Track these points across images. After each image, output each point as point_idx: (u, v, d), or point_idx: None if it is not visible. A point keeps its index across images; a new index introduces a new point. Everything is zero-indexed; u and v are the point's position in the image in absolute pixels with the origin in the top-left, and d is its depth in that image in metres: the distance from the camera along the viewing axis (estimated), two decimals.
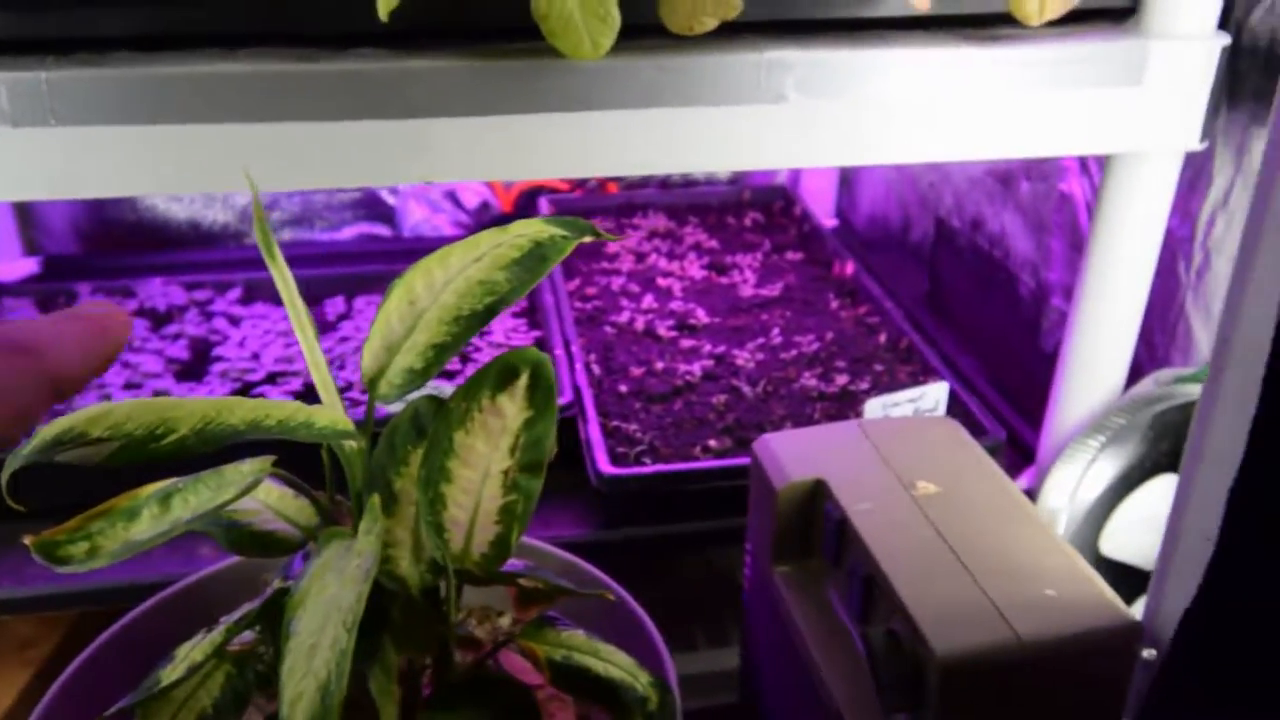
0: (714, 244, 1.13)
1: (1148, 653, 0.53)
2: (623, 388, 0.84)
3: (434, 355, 0.49)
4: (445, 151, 0.56)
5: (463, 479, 0.50)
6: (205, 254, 1.20)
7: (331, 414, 0.45)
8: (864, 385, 0.84)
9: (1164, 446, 0.73)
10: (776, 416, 0.80)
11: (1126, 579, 0.74)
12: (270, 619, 0.49)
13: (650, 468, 0.72)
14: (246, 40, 0.56)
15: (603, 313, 0.97)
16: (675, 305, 0.98)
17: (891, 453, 0.61)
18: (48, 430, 0.39)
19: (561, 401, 0.79)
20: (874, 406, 0.73)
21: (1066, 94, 0.60)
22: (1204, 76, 0.61)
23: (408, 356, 0.49)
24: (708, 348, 0.90)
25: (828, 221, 1.31)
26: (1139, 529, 0.75)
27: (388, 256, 1.17)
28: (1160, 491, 0.74)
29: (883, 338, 0.92)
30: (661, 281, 1.03)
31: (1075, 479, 0.74)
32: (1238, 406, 0.44)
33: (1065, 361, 0.73)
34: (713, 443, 0.76)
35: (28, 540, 0.49)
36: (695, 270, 1.06)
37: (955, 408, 0.80)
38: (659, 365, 0.87)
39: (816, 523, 0.60)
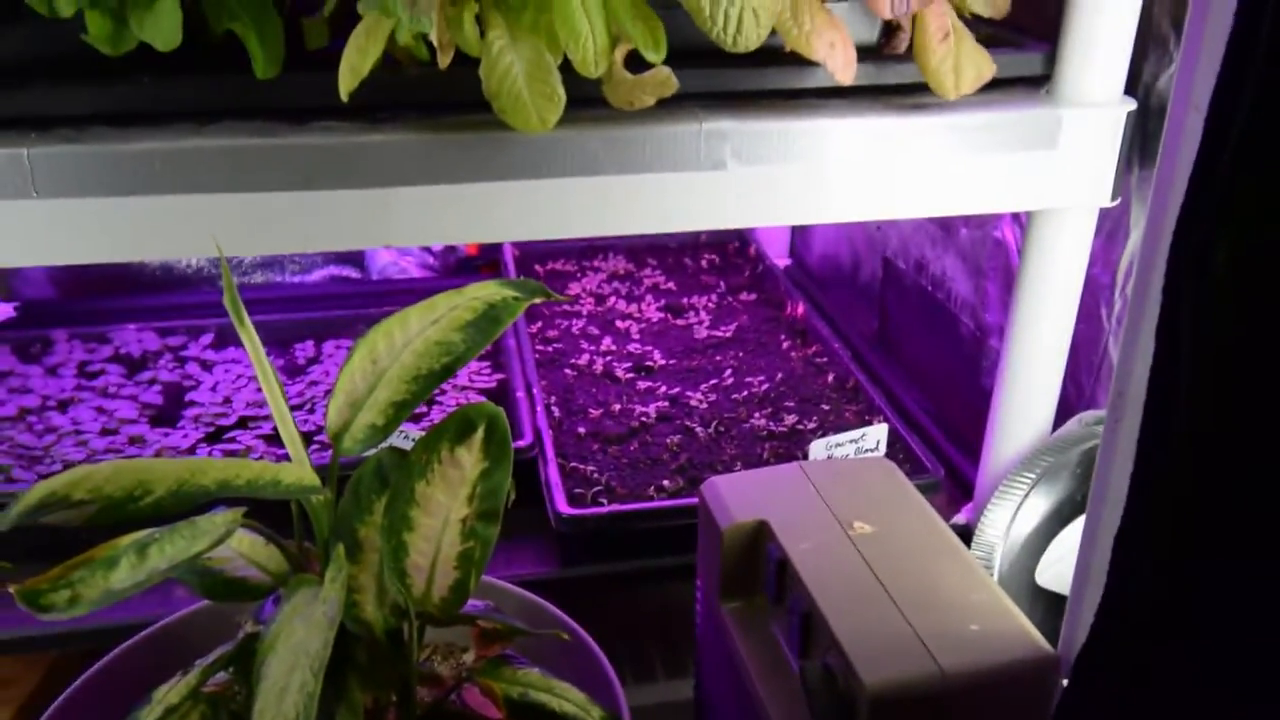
0: (671, 285, 1.17)
1: (1066, 683, 0.57)
2: (581, 429, 0.87)
3: (394, 412, 0.53)
4: (404, 217, 0.60)
5: (424, 527, 0.54)
6: (179, 297, 1.22)
7: (298, 471, 0.48)
8: (811, 424, 0.88)
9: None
10: (727, 456, 0.83)
11: (1062, 610, 0.78)
12: (243, 662, 0.52)
13: (606, 508, 0.76)
14: (215, 115, 0.59)
15: (563, 355, 1.01)
16: (633, 347, 1.02)
17: (831, 494, 0.65)
18: (32, 494, 0.43)
19: (523, 443, 0.82)
20: (818, 447, 0.77)
21: (987, 157, 0.65)
22: (1113, 140, 0.66)
23: (370, 413, 0.53)
24: (663, 389, 0.94)
25: (782, 261, 1.35)
26: (1071, 561, 0.79)
27: (357, 299, 1.20)
28: None
29: (831, 377, 0.96)
30: (620, 324, 1.07)
31: (1009, 514, 0.78)
32: (1129, 453, 0.49)
33: (997, 401, 0.77)
34: (666, 483, 0.80)
35: (12, 589, 0.52)
36: (653, 312, 1.10)
37: (897, 445, 0.84)
38: (616, 407, 0.90)
39: (760, 561, 0.64)
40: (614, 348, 1.02)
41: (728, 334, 1.05)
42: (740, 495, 0.65)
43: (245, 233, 0.58)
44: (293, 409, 0.91)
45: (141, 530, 0.54)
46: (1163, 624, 0.40)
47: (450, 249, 1.34)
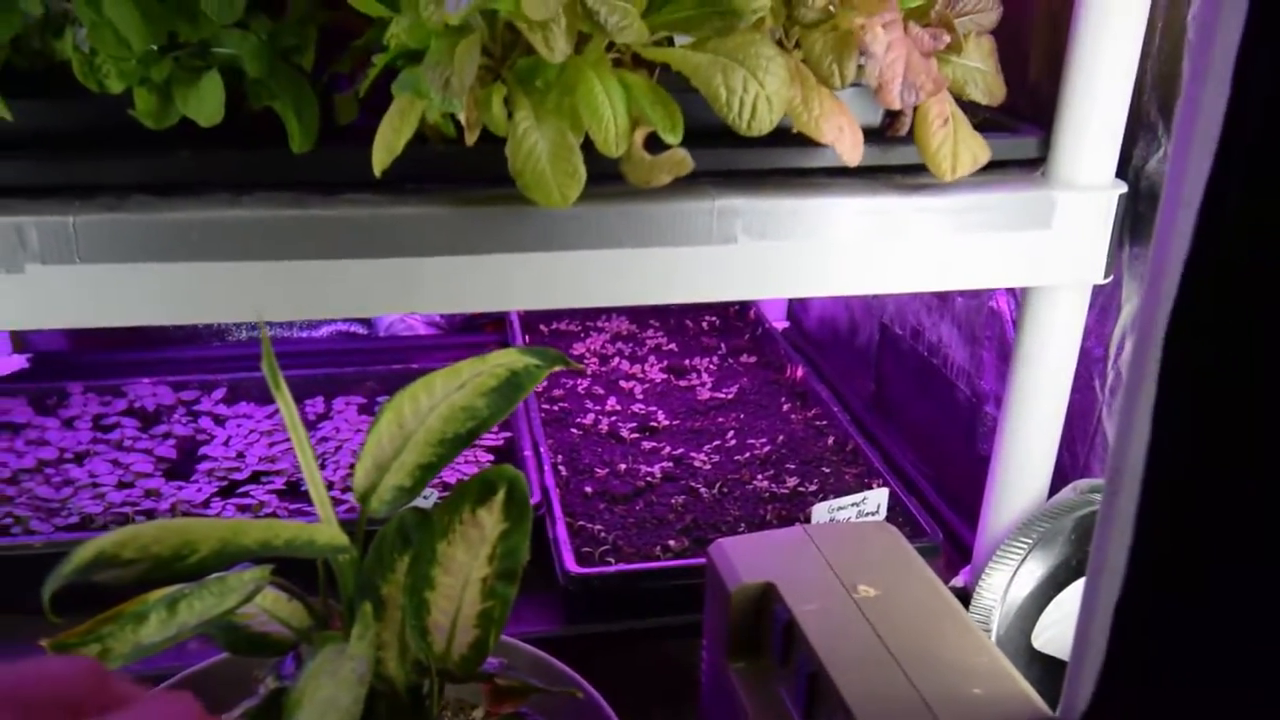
0: (673, 346, 1.20)
1: None
2: (588, 488, 0.89)
3: (421, 475, 0.55)
4: (430, 286, 0.62)
5: (445, 586, 0.55)
6: (190, 351, 1.25)
7: (330, 532, 0.50)
8: (813, 487, 0.90)
9: (1087, 548, 0.80)
10: (731, 517, 0.85)
11: (1059, 673, 0.80)
12: (269, 717, 0.54)
13: (614, 567, 0.78)
14: (250, 187, 0.62)
15: (569, 414, 1.03)
16: (637, 407, 1.04)
17: (835, 557, 0.67)
18: (83, 553, 0.44)
19: (531, 502, 0.84)
20: (820, 510, 0.79)
21: (985, 235, 0.68)
22: (1105, 220, 0.69)
23: (397, 475, 0.55)
24: (667, 449, 0.96)
25: (780, 324, 1.38)
26: (1067, 625, 0.81)
27: (365, 355, 1.23)
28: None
29: (831, 440, 0.98)
30: (624, 384, 1.09)
31: (1007, 579, 0.80)
32: (1127, 526, 0.51)
33: (995, 468, 0.80)
34: (672, 543, 0.82)
35: (45, 643, 0.54)
36: (656, 373, 1.12)
37: (897, 509, 0.86)
38: (622, 466, 0.92)
39: (766, 623, 0.65)
40: (619, 408, 1.04)
41: (729, 395, 1.07)
42: (747, 557, 0.67)
43: (279, 299, 0.60)
44: None
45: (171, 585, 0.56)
46: (1164, 693, 0.42)
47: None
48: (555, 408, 1.04)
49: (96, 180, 0.60)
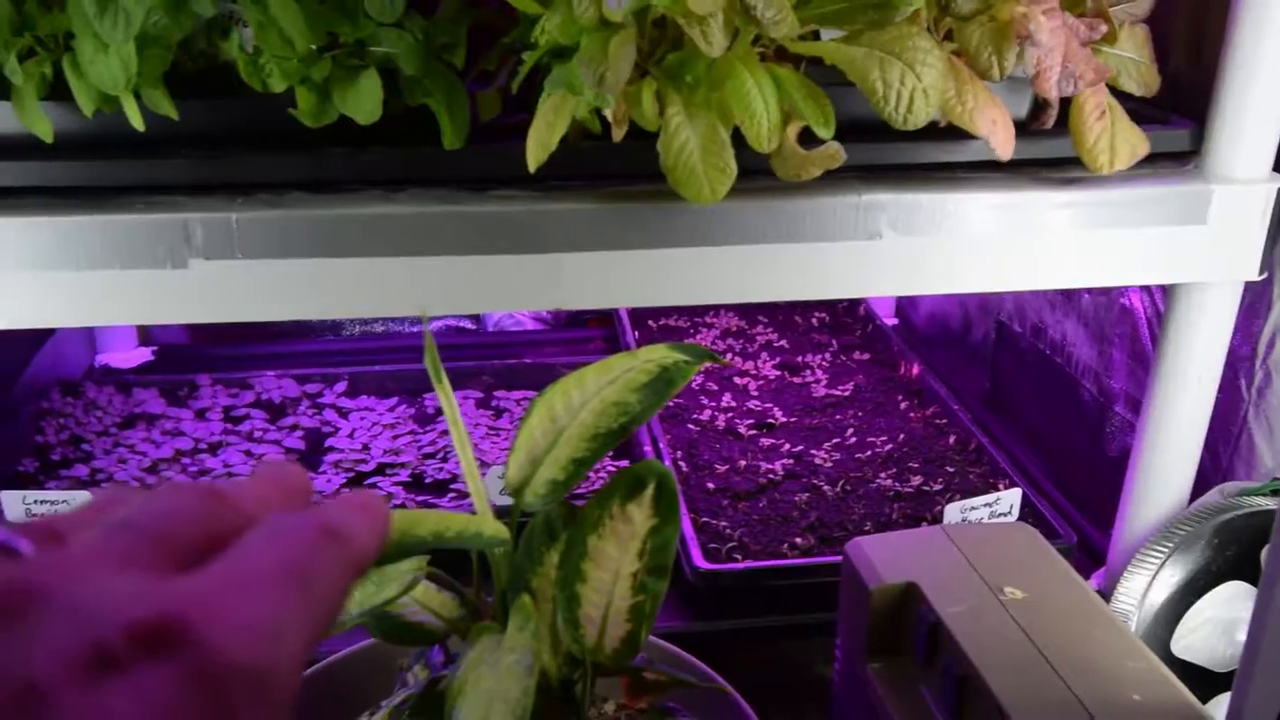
0: (784, 343, 1.19)
1: None
2: (710, 484, 0.89)
3: (574, 469, 0.55)
4: (576, 281, 0.63)
5: (595, 579, 0.56)
6: (306, 345, 1.27)
7: (495, 525, 0.51)
8: (937, 486, 0.89)
9: (1229, 554, 0.77)
10: (856, 516, 0.85)
11: (1198, 680, 0.78)
12: (428, 706, 0.55)
13: (743, 564, 0.77)
14: (402, 184, 0.63)
15: (685, 410, 1.03)
16: (752, 404, 1.04)
17: (977, 558, 0.66)
18: None
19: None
20: (953, 511, 0.78)
21: (1136, 231, 0.66)
22: (1262, 215, 0.67)
23: (551, 469, 0.55)
24: (786, 446, 0.95)
25: (888, 320, 1.36)
26: (1208, 631, 0.78)
27: (475, 350, 1.24)
28: (1226, 597, 0.78)
29: (952, 439, 0.97)
30: (738, 380, 1.09)
31: (1145, 583, 0.78)
32: None
33: (1134, 471, 0.78)
34: (798, 540, 0.81)
35: None
36: (769, 369, 1.12)
37: (1027, 510, 0.85)
38: (741, 463, 0.92)
39: (907, 623, 0.65)
40: (734, 404, 1.04)
41: (846, 393, 1.06)
42: (887, 557, 0.66)
43: (432, 294, 0.61)
44: (425, 458, 0.95)
45: None
46: None
47: None
48: (670, 404, 1.04)
49: (255, 178, 0.62)
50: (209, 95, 0.61)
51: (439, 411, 1.05)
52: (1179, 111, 0.71)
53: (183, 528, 0.24)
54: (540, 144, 0.58)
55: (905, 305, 1.40)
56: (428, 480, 0.92)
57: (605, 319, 1.32)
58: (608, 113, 0.60)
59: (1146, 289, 0.88)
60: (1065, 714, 0.54)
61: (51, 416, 1.01)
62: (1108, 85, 0.64)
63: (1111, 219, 0.66)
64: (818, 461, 0.93)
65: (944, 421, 1.00)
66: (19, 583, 0.20)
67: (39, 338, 1.12)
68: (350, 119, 0.60)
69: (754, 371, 1.11)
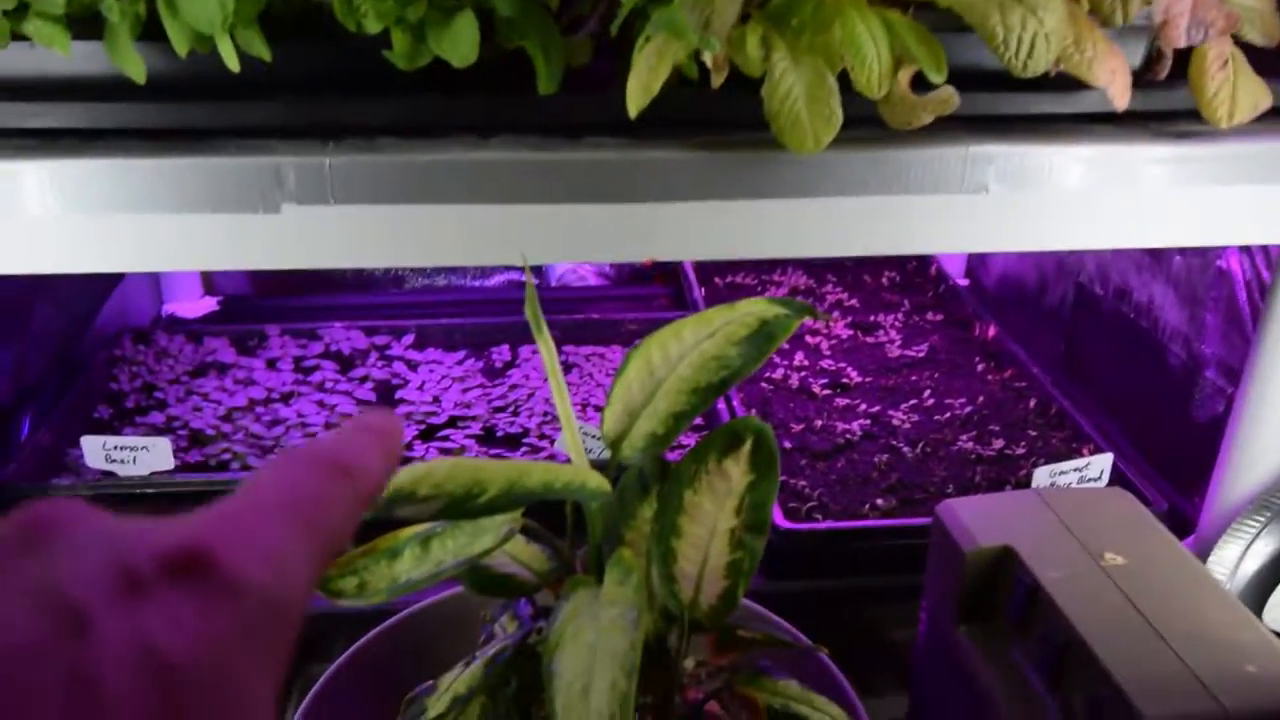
0: (855, 302, 1.17)
1: None
2: (786, 443, 0.88)
3: (674, 423, 0.54)
4: (671, 232, 0.61)
5: (691, 535, 0.55)
6: (370, 297, 1.27)
7: (598, 478, 0.50)
8: (1020, 450, 0.87)
9: None
10: (938, 478, 0.83)
11: None
12: (523, 658, 0.54)
13: (825, 524, 0.76)
14: (495, 129, 0.62)
15: (758, 369, 1.01)
16: (826, 363, 1.02)
17: (1074, 522, 0.64)
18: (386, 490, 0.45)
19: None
20: (1042, 474, 0.76)
21: (1249, 188, 0.63)
22: None
23: (649, 422, 0.54)
24: (862, 406, 0.94)
25: (958, 280, 1.34)
26: None
27: (541, 304, 1.22)
28: None
29: (1032, 402, 0.95)
30: (810, 339, 1.07)
31: (1239, 552, 0.76)
32: None
33: (1231, 439, 0.75)
34: (880, 501, 0.80)
35: None
36: (841, 328, 1.10)
37: (1114, 477, 0.83)
38: (818, 423, 0.91)
39: (1002, 587, 0.63)
40: (806, 363, 1.02)
41: (920, 354, 1.04)
42: (981, 520, 0.65)
43: (523, 242, 0.60)
44: (495, 412, 0.94)
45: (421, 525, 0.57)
46: None
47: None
48: None
49: (348, 122, 0.61)
50: (303, 37, 0.60)
51: (507, 365, 1.05)
52: None
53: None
54: (643, 89, 0.56)
55: (976, 266, 1.37)
56: (499, 434, 0.92)
57: (670, 275, 1.31)
58: (707, 58, 0.58)
59: (1247, 251, 0.85)
60: (1177, 684, 0.52)
61: (124, 364, 1.01)
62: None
63: (1227, 175, 0.63)
64: (895, 423, 0.91)
65: (1023, 384, 0.98)
66: (45, 516, 0.21)
67: (108, 286, 1.12)
68: (444, 62, 0.58)
69: (825, 330, 1.09)
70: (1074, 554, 0.61)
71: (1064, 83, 0.60)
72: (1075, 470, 0.77)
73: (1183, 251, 0.93)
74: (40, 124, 0.59)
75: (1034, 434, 0.89)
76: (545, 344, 0.53)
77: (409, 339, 1.07)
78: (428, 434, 0.91)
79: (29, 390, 0.94)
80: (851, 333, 1.10)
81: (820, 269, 1.26)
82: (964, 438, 0.88)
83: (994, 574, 0.63)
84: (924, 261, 1.27)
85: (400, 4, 0.57)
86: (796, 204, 0.61)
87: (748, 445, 0.56)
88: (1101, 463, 0.77)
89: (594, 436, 0.84)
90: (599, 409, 0.94)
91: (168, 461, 0.82)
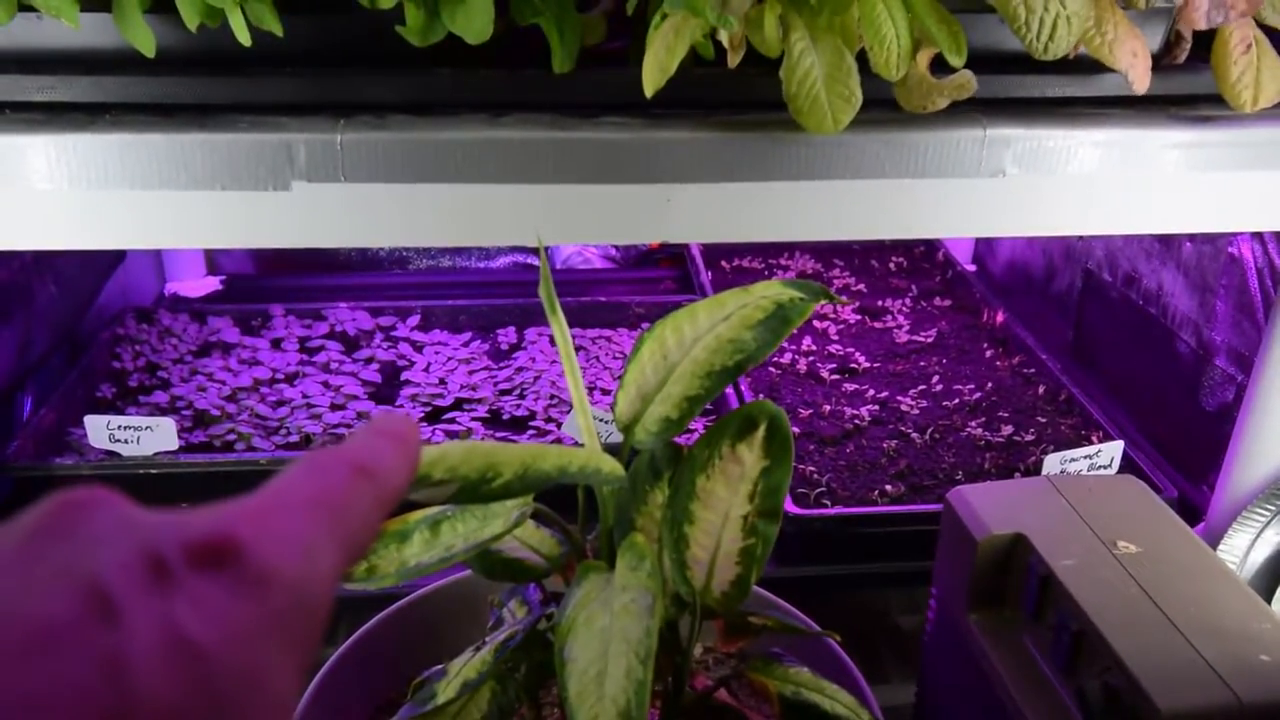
0: (862, 287, 1.17)
1: None
2: (795, 429, 0.87)
3: (688, 406, 0.53)
4: (685, 214, 0.61)
5: (704, 521, 0.54)
6: (375, 278, 1.26)
7: (612, 462, 0.49)
8: (1029, 437, 0.86)
9: None
10: (947, 464, 0.83)
11: None
12: (534, 643, 0.54)
13: (835, 510, 0.76)
14: (508, 108, 0.61)
15: None
16: (834, 348, 1.02)
17: (1087, 511, 0.64)
18: None
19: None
20: (1052, 461, 0.76)
21: (1268, 174, 0.63)
22: None
23: (663, 406, 0.54)
24: (871, 392, 0.93)
25: (966, 267, 1.33)
26: None
27: None
28: None
29: (1041, 389, 0.94)
30: (818, 324, 1.07)
31: (1248, 542, 0.75)
32: None
33: (1242, 427, 0.75)
34: (889, 488, 0.79)
35: None
36: (848, 313, 1.09)
37: (1124, 465, 0.82)
38: (826, 408, 0.90)
39: (1014, 574, 0.63)
40: (814, 348, 1.01)
41: (929, 339, 1.04)
42: (992, 507, 0.64)
43: (536, 222, 0.59)
44: (502, 394, 0.94)
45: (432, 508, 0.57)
46: None
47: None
48: None
49: (360, 99, 0.60)
50: (315, 11, 0.59)
51: (513, 348, 1.04)
52: None
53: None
54: (659, 68, 0.55)
55: (983, 251, 1.36)
56: (505, 416, 0.91)
57: (677, 259, 1.30)
58: (724, 38, 0.57)
59: (1259, 238, 0.84)
60: (1191, 673, 0.52)
61: (127, 343, 1.00)
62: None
63: (1246, 160, 0.62)
64: (904, 408, 0.90)
65: (1031, 371, 0.97)
66: (77, 503, 0.22)
67: (110, 264, 1.11)
68: (458, 39, 0.57)
69: (833, 315, 1.09)
70: (1087, 542, 0.61)
71: (1082, 65, 0.60)
72: (1086, 458, 0.76)
73: (1193, 238, 0.92)
74: (47, 98, 0.58)
75: (1043, 421, 0.89)
76: (559, 325, 0.52)
77: (414, 320, 1.06)
78: (433, 416, 0.90)
79: (31, 369, 0.93)
80: (859, 318, 1.09)
81: (827, 253, 1.26)
82: (973, 424, 0.88)
83: (1006, 561, 0.63)
84: (931, 246, 1.26)
85: None
86: (812, 186, 0.60)
87: (762, 430, 0.55)
88: (1112, 450, 0.77)
89: (601, 420, 0.84)
90: (605, 392, 0.93)
91: (172, 442, 0.81)
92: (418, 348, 1.01)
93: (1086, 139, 0.61)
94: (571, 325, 1.09)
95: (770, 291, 0.55)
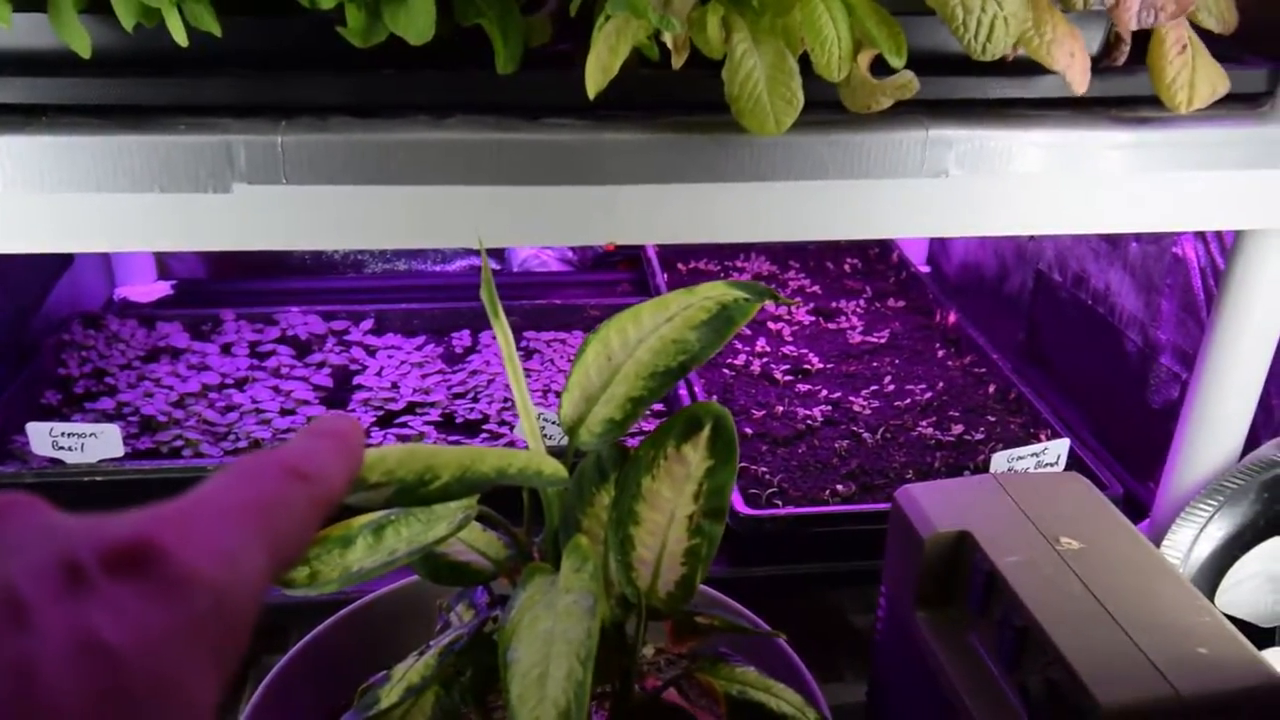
0: (816, 289, 1.17)
1: None
2: (747, 429, 0.88)
3: (632, 408, 0.53)
4: (630, 215, 0.61)
5: (649, 522, 0.54)
6: (329, 281, 1.25)
7: (554, 463, 0.49)
8: (979, 435, 0.87)
9: (1278, 509, 0.76)
10: (898, 464, 0.83)
11: (1243, 633, 0.77)
12: (479, 646, 0.53)
13: (785, 510, 0.76)
14: (451, 109, 0.61)
15: (719, 354, 1.01)
16: (788, 349, 1.02)
17: (1030, 507, 0.64)
18: None
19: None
20: (999, 460, 0.76)
21: (1206, 174, 0.64)
22: None
23: (607, 408, 0.54)
24: (824, 392, 0.94)
25: (920, 267, 1.34)
26: (1253, 586, 0.77)
27: (502, 290, 1.20)
28: (1273, 551, 0.76)
29: (991, 388, 0.95)
30: (771, 325, 1.07)
31: (1192, 536, 0.77)
32: None
33: (1185, 424, 0.76)
34: (840, 487, 0.80)
35: None
36: (802, 314, 1.10)
37: (1071, 462, 0.83)
38: (779, 409, 0.91)
39: (960, 572, 0.63)
40: (768, 349, 1.02)
41: (882, 340, 1.04)
42: (939, 505, 0.65)
43: (479, 225, 0.59)
44: (455, 398, 0.93)
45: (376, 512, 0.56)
46: None
47: (588, 245, 1.35)
48: None
49: (301, 100, 0.59)
50: (254, 12, 0.59)
51: (467, 351, 1.03)
52: (1253, 50, 0.68)
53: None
54: (601, 69, 0.55)
55: (938, 252, 1.37)
56: (459, 420, 0.91)
57: (633, 261, 1.30)
58: (667, 39, 0.57)
59: (1202, 238, 0.86)
60: (1130, 668, 0.52)
61: (73, 349, 0.99)
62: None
63: (1188, 160, 0.63)
64: (856, 409, 0.91)
65: (982, 370, 0.98)
66: None
67: (57, 269, 1.09)
68: (400, 40, 0.57)
69: (788, 317, 1.09)
70: (1030, 539, 0.62)
71: (1024, 67, 0.60)
72: (1033, 455, 0.77)
73: (1139, 238, 0.94)
74: None
75: (993, 419, 0.90)
76: (501, 328, 0.52)
77: (368, 324, 1.06)
78: (385, 420, 0.90)
79: None
80: (813, 319, 1.10)
81: (783, 255, 1.26)
82: (924, 423, 0.88)
83: (952, 559, 0.64)
84: (885, 248, 1.27)
85: None
86: (756, 187, 0.60)
87: (707, 430, 0.55)
88: (1058, 448, 0.78)
89: (555, 423, 0.83)
90: (559, 394, 0.93)
91: (117, 449, 0.80)
92: (371, 352, 1.01)
93: (1028, 140, 0.62)
94: (526, 328, 1.09)
95: (714, 292, 0.55)
